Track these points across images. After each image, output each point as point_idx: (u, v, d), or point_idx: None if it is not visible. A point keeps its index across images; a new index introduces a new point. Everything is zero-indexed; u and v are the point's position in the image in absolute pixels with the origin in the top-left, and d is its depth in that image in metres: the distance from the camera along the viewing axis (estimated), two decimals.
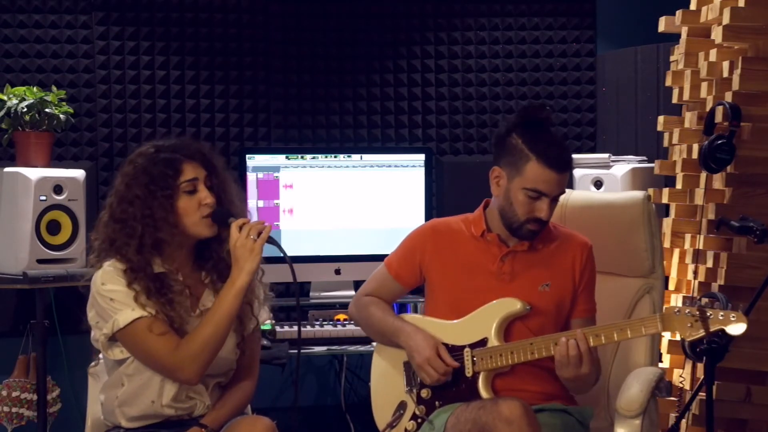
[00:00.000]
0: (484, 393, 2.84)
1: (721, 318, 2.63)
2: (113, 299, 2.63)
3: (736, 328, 2.61)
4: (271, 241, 2.67)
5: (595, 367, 2.83)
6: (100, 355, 2.86)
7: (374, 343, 3.15)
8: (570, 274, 2.97)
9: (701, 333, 2.64)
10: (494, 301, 2.91)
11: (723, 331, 2.63)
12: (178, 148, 2.72)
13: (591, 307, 3.00)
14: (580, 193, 3.44)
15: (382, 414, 3.03)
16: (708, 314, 2.63)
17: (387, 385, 3.03)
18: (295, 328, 3.93)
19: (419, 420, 2.91)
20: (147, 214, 2.65)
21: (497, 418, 2.60)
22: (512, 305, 2.89)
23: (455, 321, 2.94)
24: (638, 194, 3.31)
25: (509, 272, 2.95)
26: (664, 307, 2.73)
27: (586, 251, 3.00)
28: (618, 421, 2.89)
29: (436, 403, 2.90)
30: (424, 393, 2.93)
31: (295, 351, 3.72)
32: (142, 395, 2.70)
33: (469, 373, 2.87)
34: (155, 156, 2.70)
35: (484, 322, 2.89)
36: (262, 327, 2.90)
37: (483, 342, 2.88)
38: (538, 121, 2.91)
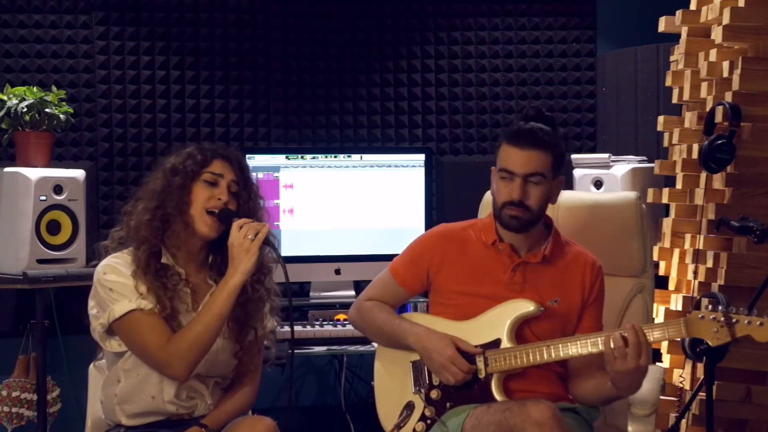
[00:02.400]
0: (497, 395, 2.80)
1: (747, 324, 2.59)
2: (112, 289, 2.66)
3: (764, 335, 2.57)
4: (268, 242, 2.67)
5: None
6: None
7: (374, 344, 3.13)
8: (579, 291, 2.95)
9: (727, 339, 2.61)
10: (507, 302, 2.88)
11: (749, 337, 2.59)
12: (217, 147, 2.81)
13: (596, 326, 2.93)
14: (572, 194, 3.42)
15: (387, 415, 2.99)
16: (734, 320, 2.59)
17: (392, 386, 3.00)
18: (297, 327, 3.94)
19: (428, 421, 2.87)
20: (165, 189, 2.71)
21: (527, 420, 2.56)
22: (526, 306, 2.86)
23: (466, 321, 2.91)
24: (630, 194, 3.32)
25: (520, 283, 2.92)
26: (690, 311, 2.67)
27: (595, 270, 2.98)
28: (631, 421, 2.89)
29: (447, 404, 2.86)
30: (434, 394, 2.89)
31: (296, 351, 3.71)
32: (142, 391, 2.70)
33: (482, 374, 2.82)
34: (191, 149, 2.78)
35: (496, 322, 2.86)
36: None
37: (496, 343, 2.85)
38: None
